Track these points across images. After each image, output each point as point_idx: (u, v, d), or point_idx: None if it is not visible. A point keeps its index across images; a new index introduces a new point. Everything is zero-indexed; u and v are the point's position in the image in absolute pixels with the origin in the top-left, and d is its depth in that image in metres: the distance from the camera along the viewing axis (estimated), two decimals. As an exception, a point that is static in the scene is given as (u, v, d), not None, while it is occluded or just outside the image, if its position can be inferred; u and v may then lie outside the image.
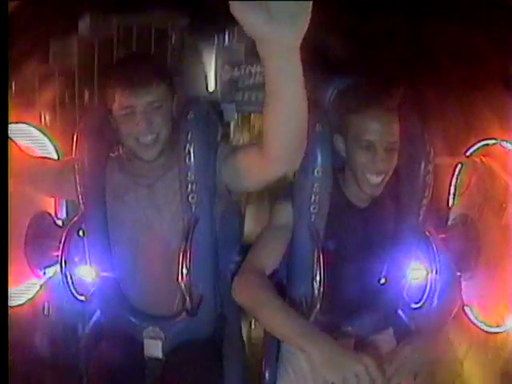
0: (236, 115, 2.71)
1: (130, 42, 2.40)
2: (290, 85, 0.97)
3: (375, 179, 1.45)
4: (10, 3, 1.29)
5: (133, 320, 1.57)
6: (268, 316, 1.29)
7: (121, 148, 1.55)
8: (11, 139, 1.70)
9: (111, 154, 1.56)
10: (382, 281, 1.58)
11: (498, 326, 1.90)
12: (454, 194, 2.05)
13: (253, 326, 2.22)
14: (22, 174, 1.58)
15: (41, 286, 1.92)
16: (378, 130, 1.41)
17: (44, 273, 1.91)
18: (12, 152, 1.53)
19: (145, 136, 1.41)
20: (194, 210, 1.48)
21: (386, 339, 1.63)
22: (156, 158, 1.46)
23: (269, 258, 1.46)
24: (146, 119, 1.40)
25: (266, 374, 1.61)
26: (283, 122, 1.06)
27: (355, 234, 1.55)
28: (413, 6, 1.99)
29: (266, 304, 1.29)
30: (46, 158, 1.80)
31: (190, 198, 1.47)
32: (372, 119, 1.42)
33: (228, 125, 2.83)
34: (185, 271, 1.42)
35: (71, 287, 1.67)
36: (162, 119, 1.42)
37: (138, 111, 1.40)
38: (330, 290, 1.48)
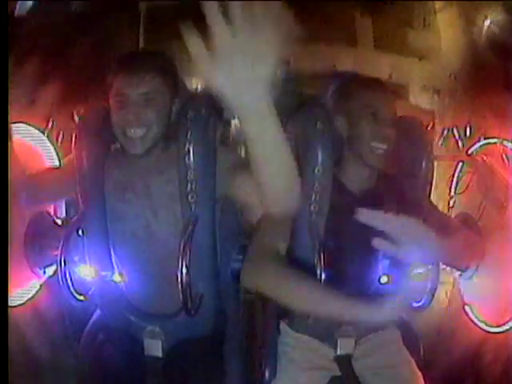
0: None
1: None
2: (268, 154, 0.91)
3: (381, 146, 1.48)
4: (10, 3, 1.29)
5: (133, 319, 1.56)
6: (302, 296, 1.18)
7: (118, 144, 1.54)
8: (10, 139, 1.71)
9: (110, 151, 1.56)
10: (383, 280, 1.58)
11: (498, 326, 1.89)
12: (455, 193, 2.05)
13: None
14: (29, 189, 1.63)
15: (41, 286, 1.91)
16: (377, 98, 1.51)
17: (44, 272, 1.90)
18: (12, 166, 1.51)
19: (132, 129, 1.39)
20: (193, 209, 1.47)
21: (386, 338, 1.63)
22: (144, 154, 1.44)
23: (279, 235, 1.37)
24: (135, 110, 1.39)
25: (266, 374, 1.61)
26: (268, 183, 1.01)
27: (355, 226, 1.54)
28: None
29: (297, 284, 1.19)
30: (48, 168, 1.84)
31: (189, 198, 1.46)
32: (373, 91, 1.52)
33: (228, 123, 2.82)
34: (184, 270, 1.42)
35: (71, 287, 1.67)
36: (154, 113, 1.40)
37: (130, 101, 1.39)
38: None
